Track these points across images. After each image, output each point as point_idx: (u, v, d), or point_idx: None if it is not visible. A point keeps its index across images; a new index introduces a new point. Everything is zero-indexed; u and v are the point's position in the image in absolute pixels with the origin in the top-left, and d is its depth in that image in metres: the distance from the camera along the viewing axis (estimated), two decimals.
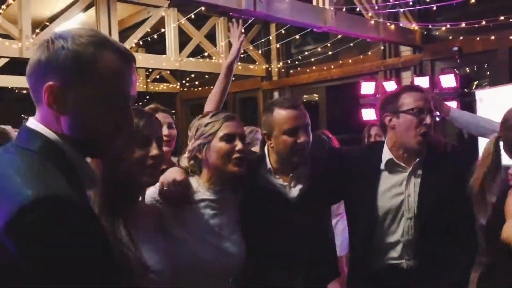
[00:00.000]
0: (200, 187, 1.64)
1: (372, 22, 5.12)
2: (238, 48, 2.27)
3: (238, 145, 1.62)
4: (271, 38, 7.22)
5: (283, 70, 7.57)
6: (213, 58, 6.98)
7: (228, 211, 1.68)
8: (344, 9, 4.88)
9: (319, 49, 6.54)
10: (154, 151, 1.34)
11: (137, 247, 1.27)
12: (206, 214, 1.61)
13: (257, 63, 7.65)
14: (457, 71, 5.25)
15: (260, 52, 7.57)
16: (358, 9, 5.12)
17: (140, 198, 1.43)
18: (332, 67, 6.80)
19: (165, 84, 9.35)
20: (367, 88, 5.90)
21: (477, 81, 6.01)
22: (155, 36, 5.87)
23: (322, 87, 7.17)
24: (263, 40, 7.31)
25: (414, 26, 5.51)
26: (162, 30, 6.41)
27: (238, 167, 1.62)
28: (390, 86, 5.91)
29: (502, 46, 5.19)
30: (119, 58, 0.94)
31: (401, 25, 5.49)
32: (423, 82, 5.53)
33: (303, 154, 1.80)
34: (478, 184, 1.64)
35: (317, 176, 1.84)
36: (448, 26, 4.93)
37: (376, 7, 5.07)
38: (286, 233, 1.76)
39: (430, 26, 5.33)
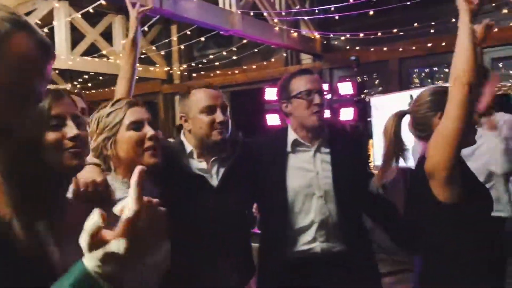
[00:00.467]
0: (118, 184, 1.44)
1: (277, 28, 5.19)
2: (134, 18, 2.08)
3: (149, 131, 1.45)
4: (174, 39, 6.95)
5: (185, 73, 7.36)
6: (111, 58, 6.51)
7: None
8: (251, 14, 4.86)
9: (224, 53, 6.47)
10: (71, 131, 1.11)
11: (57, 249, 1.03)
12: None
13: (157, 65, 7.33)
14: (354, 79, 5.57)
15: (161, 53, 7.27)
16: (264, 14, 5.15)
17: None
18: (236, 72, 6.78)
19: (51, 86, 8.51)
20: (271, 94, 5.99)
21: (367, 90, 6.46)
22: (46, 30, 5.27)
23: (227, 92, 7.10)
24: (164, 41, 7.02)
25: (316, 34, 5.71)
26: (55, 23, 5.80)
27: (153, 158, 1.45)
28: None
29: (393, 57, 5.62)
30: (37, 46, 0.80)
31: (303, 33, 5.64)
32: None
33: (223, 133, 1.74)
34: (385, 154, 1.70)
35: (236, 161, 1.81)
36: (348, 36, 5.19)
37: (283, 13, 5.15)
38: (210, 220, 1.69)
39: (331, 36, 5.57)
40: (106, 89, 7.78)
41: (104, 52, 6.45)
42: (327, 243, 1.89)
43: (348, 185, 1.89)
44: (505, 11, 4.58)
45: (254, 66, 6.57)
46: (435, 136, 1.52)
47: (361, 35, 5.06)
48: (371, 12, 4.33)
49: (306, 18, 5.30)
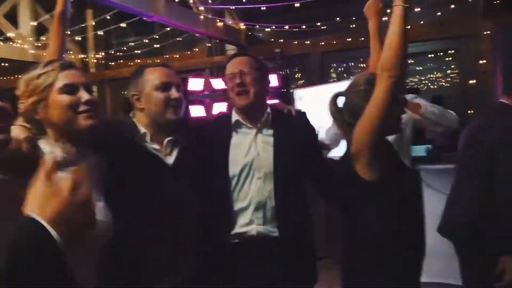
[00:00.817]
0: (50, 148, 1.32)
1: (202, 17, 5.07)
2: None
3: (84, 95, 1.34)
4: (92, 24, 6.49)
5: (102, 61, 6.93)
6: (17, 42, 5.92)
7: (91, 174, 1.38)
8: (176, 0, 4.69)
9: (146, 41, 6.19)
10: None
11: None
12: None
13: (70, 52, 6.81)
14: (278, 72, 5.64)
15: (74, 39, 6.75)
16: (189, 2, 5.00)
17: None
18: (158, 61, 6.52)
19: None
20: (195, 84, 5.85)
21: (290, 82, 6.59)
22: None
23: None
24: (78, 26, 6.53)
25: (242, 25, 5.68)
26: None
27: (89, 120, 1.34)
28: (218, 83, 6.00)
29: (315, 51, 5.78)
30: None
31: (229, 23, 5.59)
32: None
33: (178, 112, 1.73)
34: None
35: (188, 142, 1.80)
36: (274, 28, 5.22)
37: (210, 1, 5.03)
38: (166, 199, 1.66)
39: (257, 27, 5.57)
40: (11, 77, 7.07)
41: (9, 35, 5.85)
42: (264, 226, 1.87)
43: (289, 168, 1.89)
44: (417, 9, 4.90)
45: (176, 56, 6.38)
46: (361, 121, 1.60)
47: (286, 27, 5.12)
48: (297, 5, 4.38)
49: (232, 7, 5.23)
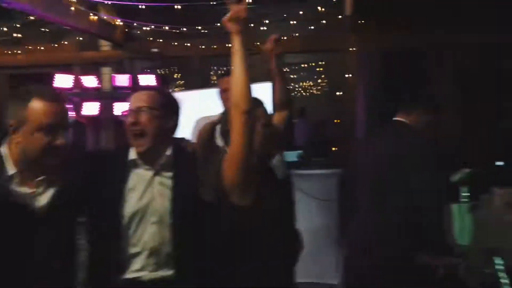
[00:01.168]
0: None
1: (73, 8, 4.65)
2: None
3: None
4: None
5: None
6: None
7: None
8: None
9: (4, 29, 5.48)
10: None
11: None
12: None
13: None
14: (155, 72, 5.47)
15: None
16: None
17: None
18: (18, 52, 5.83)
19: None
20: (62, 81, 5.36)
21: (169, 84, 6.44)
22: None
23: (3, 74, 6.06)
24: None
25: (119, 21, 5.35)
26: None
27: None
28: (90, 81, 5.56)
29: (195, 54, 5.72)
30: None
31: (105, 17, 5.21)
32: (123, 80, 5.48)
33: (58, 159, 1.54)
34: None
35: (70, 178, 1.63)
36: (153, 27, 5.03)
37: None
38: (31, 252, 1.50)
39: (134, 24, 5.30)
40: None
41: None
42: (157, 272, 1.76)
43: (188, 213, 1.79)
44: (292, 22, 5.16)
45: (41, 48, 5.77)
46: (226, 158, 1.61)
47: (166, 28, 4.97)
48: (179, 7, 4.28)
49: (108, 2, 4.89)
